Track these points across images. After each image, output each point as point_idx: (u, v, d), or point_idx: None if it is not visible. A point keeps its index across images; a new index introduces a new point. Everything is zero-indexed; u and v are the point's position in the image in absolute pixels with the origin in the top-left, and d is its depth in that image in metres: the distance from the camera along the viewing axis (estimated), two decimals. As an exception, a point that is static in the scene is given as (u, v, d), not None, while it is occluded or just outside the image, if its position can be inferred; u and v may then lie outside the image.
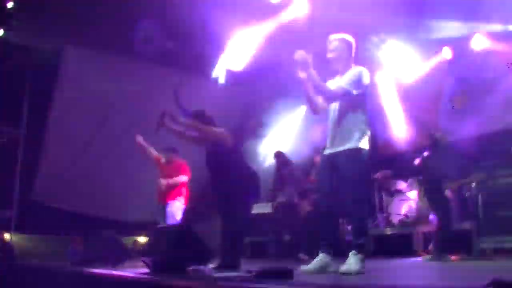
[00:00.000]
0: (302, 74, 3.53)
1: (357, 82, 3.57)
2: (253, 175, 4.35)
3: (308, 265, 3.52)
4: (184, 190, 6.44)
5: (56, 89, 8.12)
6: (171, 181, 6.30)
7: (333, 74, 3.76)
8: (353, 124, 3.56)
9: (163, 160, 6.53)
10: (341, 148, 3.56)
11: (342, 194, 3.52)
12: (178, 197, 6.35)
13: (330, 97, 3.63)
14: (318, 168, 7.36)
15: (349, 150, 3.52)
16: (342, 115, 3.60)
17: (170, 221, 6.11)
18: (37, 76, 8.44)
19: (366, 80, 3.61)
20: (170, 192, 6.31)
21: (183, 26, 7.45)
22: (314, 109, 3.78)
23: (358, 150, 3.53)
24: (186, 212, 6.43)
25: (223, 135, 4.27)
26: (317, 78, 3.53)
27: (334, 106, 3.68)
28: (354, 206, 3.49)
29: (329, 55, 3.72)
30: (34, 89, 8.56)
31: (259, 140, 9.82)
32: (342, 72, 3.69)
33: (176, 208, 6.27)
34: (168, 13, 7.24)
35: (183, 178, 6.36)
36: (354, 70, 3.63)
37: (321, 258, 3.53)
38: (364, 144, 3.56)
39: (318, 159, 7.51)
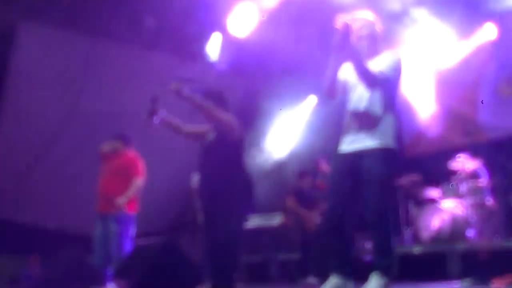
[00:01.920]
0: (339, 47, 3.48)
1: (397, 69, 3.62)
2: (250, 182, 4.38)
3: None
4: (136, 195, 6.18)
5: (8, 75, 8.08)
6: (129, 193, 5.99)
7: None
8: (384, 117, 3.55)
9: (106, 149, 6.28)
10: (368, 146, 3.52)
11: (364, 203, 3.50)
12: (130, 205, 6.08)
13: (370, 79, 3.54)
14: (324, 173, 7.44)
15: (379, 149, 3.49)
16: (372, 107, 3.58)
17: (123, 240, 5.86)
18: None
19: (402, 68, 3.66)
20: (119, 197, 5.97)
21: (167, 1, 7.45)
22: (332, 91, 3.74)
23: (390, 150, 3.52)
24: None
25: (234, 124, 4.33)
26: (359, 53, 3.53)
27: (360, 94, 3.65)
28: (377, 219, 3.47)
29: (358, 35, 3.67)
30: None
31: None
32: (371, 55, 3.69)
33: (129, 220, 6.03)
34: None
35: (139, 183, 6.08)
36: (392, 55, 3.67)
37: (333, 281, 3.50)
38: (394, 143, 3.56)
39: (323, 163, 7.57)
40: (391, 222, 3.51)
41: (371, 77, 3.51)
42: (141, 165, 6.23)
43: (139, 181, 6.09)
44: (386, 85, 3.56)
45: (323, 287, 3.52)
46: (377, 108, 3.57)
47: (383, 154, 3.49)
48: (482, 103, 8.14)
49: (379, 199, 3.46)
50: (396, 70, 3.62)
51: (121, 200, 5.92)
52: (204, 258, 4.41)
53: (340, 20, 3.43)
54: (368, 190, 3.48)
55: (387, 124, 3.56)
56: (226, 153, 4.32)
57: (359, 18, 3.77)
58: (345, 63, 3.63)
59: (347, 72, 3.70)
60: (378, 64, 3.60)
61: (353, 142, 3.60)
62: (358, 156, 3.54)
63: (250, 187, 4.41)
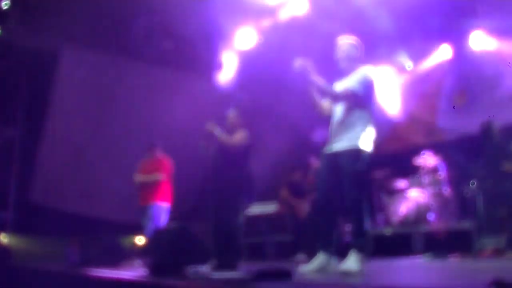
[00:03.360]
0: (305, 81, 3.61)
1: (364, 83, 3.60)
2: (250, 176, 4.46)
3: (307, 266, 3.52)
4: (166, 188, 6.27)
5: (53, 88, 8.11)
6: (145, 177, 6.16)
7: (341, 74, 3.78)
8: (356, 124, 3.57)
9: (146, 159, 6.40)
10: (342, 147, 3.57)
11: (341, 194, 3.52)
12: (161, 198, 6.18)
13: (337, 99, 3.67)
14: (314, 169, 7.43)
15: (351, 150, 3.52)
16: (346, 115, 3.62)
17: (153, 224, 5.95)
18: (34, 75, 8.43)
19: (372, 81, 3.66)
20: (152, 191, 6.13)
21: (182, 25, 7.46)
22: (320, 112, 3.85)
23: (360, 150, 3.53)
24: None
25: (243, 141, 4.50)
26: (321, 82, 3.58)
27: (339, 106, 3.70)
28: (353, 206, 3.49)
29: (338, 56, 3.78)
30: (30, 88, 8.55)
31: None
32: (349, 73, 3.72)
33: (159, 210, 6.11)
34: (167, 13, 7.25)
35: (159, 176, 6.19)
36: (361, 72, 3.67)
37: (320, 258, 3.53)
38: (367, 144, 3.57)
39: (313, 161, 7.56)
40: (365, 209, 3.51)
41: (337, 96, 3.63)
42: (168, 165, 6.34)
43: (159, 176, 6.19)
44: (354, 98, 3.58)
45: (311, 263, 3.53)
46: (349, 117, 3.60)
47: (353, 154, 3.52)
48: (453, 107, 8.16)
49: (353, 190, 3.48)
50: (364, 85, 3.60)
51: (138, 178, 6.19)
52: (212, 240, 4.45)
53: (297, 62, 3.54)
54: (344, 183, 3.50)
55: (358, 129, 3.57)
56: (233, 158, 4.45)
57: (341, 42, 3.80)
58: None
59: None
60: (349, 81, 3.65)
61: (333, 145, 3.65)
62: (335, 156, 3.59)
63: (251, 183, 4.52)
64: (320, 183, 3.74)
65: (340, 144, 3.59)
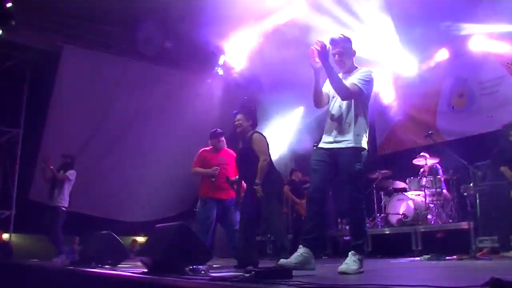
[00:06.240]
0: (318, 65, 3.45)
1: (369, 82, 3.54)
2: (279, 177, 4.72)
3: (288, 259, 3.34)
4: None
5: (54, 88, 8.11)
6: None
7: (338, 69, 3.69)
8: (358, 123, 3.49)
9: (210, 149, 5.48)
10: (343, 145, 3.47)
11: (340, 194, 3.47)
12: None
13: (346, 93, 3.50)
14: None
15: (353, 148, 3.44)
16: (348, 113, 3.53)
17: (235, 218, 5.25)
18: (36, 75, 8.43)
19: (373, 81, 3.60)
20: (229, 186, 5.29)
21: (183, 26, 7.46)
22: (318, 103, 3.67)
23: (360, 149, 3.47)
24: None
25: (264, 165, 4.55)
26: (335, 71, 3.49)
27: (339, 102, 3.59)
28: (354, 207, 3.44)
29: (334, 52, 3.64)
30: (32, 88, 8.56)
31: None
32: (345, 71, 3.65)
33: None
34: (167, 13, 7.25)
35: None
36: (365, 70, 3.60)
37: (302, 252, 3.34)
38: (365, 144, 3.52)
39: None
40: (363, 210, 3.46)
41: (344, 90, 3.47)
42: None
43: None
44: (359, 96, 3.51)
45: (291, 258, 3.33)
46: (351, 115, 3.52)
47: (356, 153, 3.45)
48: (453, 108, 8.17)
49: (354, 191, 3.41)
50: (368, 83, 3.53)
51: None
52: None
53: (318, 41, 3.40)
54: (343, 183, 3.45)
55: (359, 127, 3.50)
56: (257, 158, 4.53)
57: (338, 38, 3.70)
58: (324, 77, 3.55)
59: (328, 85, 3.64)
60: (353, 78, 3.56)
61: (332, 142, 3.54)
62: (335, 154, 3.49)
63: (280, 180, 4.73)
64: (314, 177, 3.55)
65: (340, 142, 3.50)
